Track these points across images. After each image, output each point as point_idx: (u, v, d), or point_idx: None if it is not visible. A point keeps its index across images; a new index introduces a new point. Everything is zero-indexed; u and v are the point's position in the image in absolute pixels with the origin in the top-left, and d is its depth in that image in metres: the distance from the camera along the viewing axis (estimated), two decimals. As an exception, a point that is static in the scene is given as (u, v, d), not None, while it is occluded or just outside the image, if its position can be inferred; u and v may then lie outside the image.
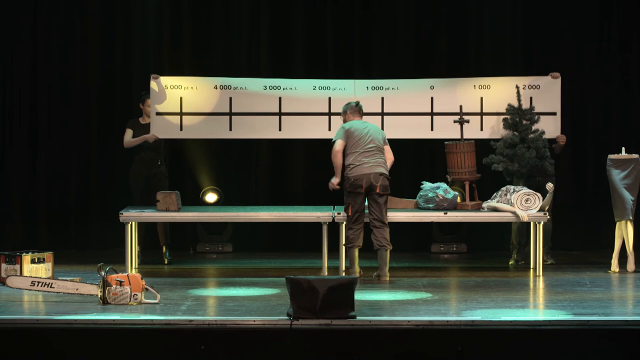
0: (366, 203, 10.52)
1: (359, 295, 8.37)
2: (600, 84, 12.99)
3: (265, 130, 11.60)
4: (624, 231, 10.88)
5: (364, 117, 10.83)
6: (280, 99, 11.62)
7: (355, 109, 10.72)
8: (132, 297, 8.65)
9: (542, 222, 10.77)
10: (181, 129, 11.62)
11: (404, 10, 13.13)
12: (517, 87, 11.45)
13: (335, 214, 10.67)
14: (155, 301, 8.70)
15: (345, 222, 10.53)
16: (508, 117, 11.41)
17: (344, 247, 10.52)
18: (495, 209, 10.80)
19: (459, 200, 11.06)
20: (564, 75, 11.72)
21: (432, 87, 11.67)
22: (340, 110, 11.58)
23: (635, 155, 10.93)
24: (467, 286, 10.06)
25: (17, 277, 9.23)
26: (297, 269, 11.16)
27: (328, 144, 12.68)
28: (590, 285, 9.97)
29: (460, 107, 11.42)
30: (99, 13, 13.01)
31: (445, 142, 11.34)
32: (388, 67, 12.88)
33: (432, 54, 13.13)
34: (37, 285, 9.01)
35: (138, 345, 7.55)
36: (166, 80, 11.63)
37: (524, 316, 8.25)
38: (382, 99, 11.64)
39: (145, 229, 11.73)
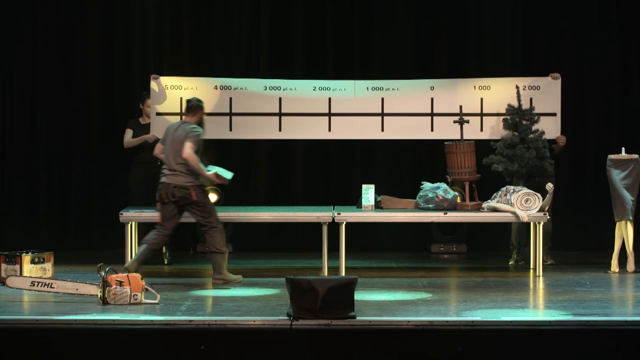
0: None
1: (359, 296, 8.36)
2: (600, 84, 13.00)
3: (265, 130, 11.60)
4: (624, 231, 10.88)
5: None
6: (280, 99, 11.62)
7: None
8: (132, 297, 8.65)
9: (541, 223, 10.77)
10: (181, 129, 11.61)
11: (404, 10, 13.14)
12: (517, 87, 11.45)
13: (335, 214, 10.67)
14: (155, 301, 8.70)
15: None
16: (508, 117, 11.42)
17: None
18: (495, 209, 10.80)
19: (458, 200, 11.06)
20: (564, 76, 11.72)
21: (432, 88, 11.67)
22: (340, 111, 11.60)
23: (635, 156, 10.94)
24: (467, 286, 10.06)
25: (17, 277, 9.24)
26: (297, 269, 11.16)
27: (328, 144, 12.73)
28: (590, 286, 9.98)
29: (460, 107, 11.42)
30: (99, 13, 13.01)
31: (445, 143, 11.34)
32: (388, 67, 12.88)
33: (432, 54, 13.13)
34: (37, 286, 9.01)
35: (138, 345, 7.55)
36: (166, 81, 11.63)
37: (523, 316, 8.25)
38: (382, 99, 11.64)
39: (145, 229, 11.72)
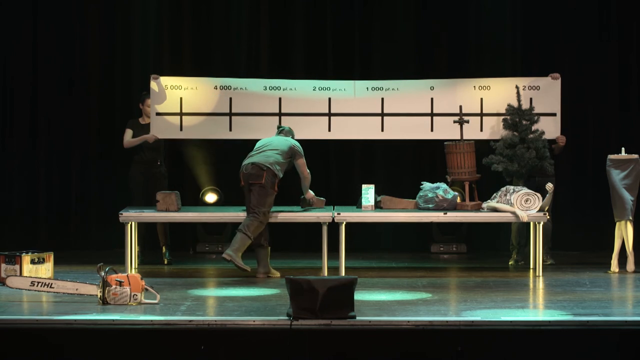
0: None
1: (359, 296, 8.37)
2: (600, 84, 13.00)
3: (265, 130, 11.58)
4: (624, 231, 10.88)
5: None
6: (280, 99, 11.63)
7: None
8: (131, 298, 8.65)
9: (541, 223, 10.77)
10: (181, 129, 11.63)
11: (404, 10, 13.14)
12: (517, 87, 11.45)
13: (335, 214, 10.67)
14: (155, 301, 8.70)
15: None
16: (508, 117, 11.42)
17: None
18: (495, 209, 10.80)
19: (458, 200, 11.06)
20: (564, 76, 11.73)
21: (432, 88, 11.67)
22: (340, 111, 11.61)
23: (634, 156, 10.94)
24: (467, 286, 10.06)
25: (17, 277, 9.23)
26: (297, 269, 11.17)
27: (328, 144, 12.74)
28: (590, 286, 9.98)
29: (460, 107, 11.43)
30: (99, 13, 13.02)
31: (445, 143, 11.34)
32: (388, 67, 12.88)
33: (432, 54, 13.13)
34: (37, 286, 9.01)
35: (138, 345, 7.55)
36: (166, 81, 11.63)
37: (523, 316, 8.25)
38: (382, 99, 11.64)
39: (145, 229, 11.73)
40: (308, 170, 10.78)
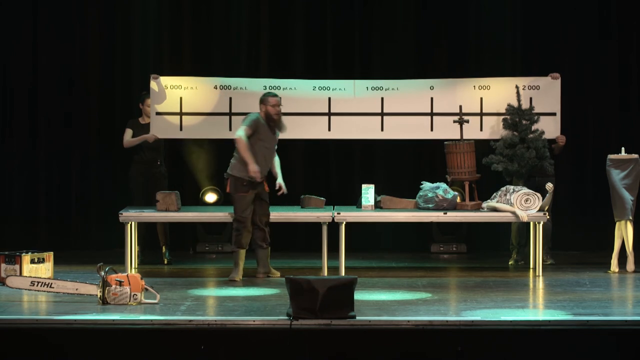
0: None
1: (359, 295, 8.37)
2: (600, 84, 13.00)
3: (265, 130, 11.60)
4: (624, 231, 10.88)
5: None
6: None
7: None
8: (131, 297, 8.65)
9: (541, 222, 10.77)
10: (181, 129, 11.62)
11: (404, 10, 13.14)
12: (516, 87, 11.45)
13: (335, 214, 10.67)
14: (155, 301, 8.70)
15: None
16: (508, 117, 11.42)
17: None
18: (494, 209, 10.80)
19: (458, 200, 11.06)
20: (564, 76, 11.72)
21: (432, 88, 11.67)
22: (340, 111, 11.60)
23: (634, 155, 10.94)
24: (467, 286, 10.06)
25: (17, 277, 9.23)
26: (297, 269, 11.17)
27: (328, 144, 12.74)
28: (590, 286, 9.98)
29: (460, 107, 11.43)
30: (99, 13, 13.02)
31: (445, 143, 11.34)
32: (388, 67, 12.89)
33: (432, 54, 13.13)
34: (37, 285, 9.01)
35: (138, 345, 7.55)
36: (166, 80, 11.63)
37: (523, 316, 8.25)
38: (382, 99, 11.64)
39: (145, 229, 11.73)
40: (239, 134, 10.35)
